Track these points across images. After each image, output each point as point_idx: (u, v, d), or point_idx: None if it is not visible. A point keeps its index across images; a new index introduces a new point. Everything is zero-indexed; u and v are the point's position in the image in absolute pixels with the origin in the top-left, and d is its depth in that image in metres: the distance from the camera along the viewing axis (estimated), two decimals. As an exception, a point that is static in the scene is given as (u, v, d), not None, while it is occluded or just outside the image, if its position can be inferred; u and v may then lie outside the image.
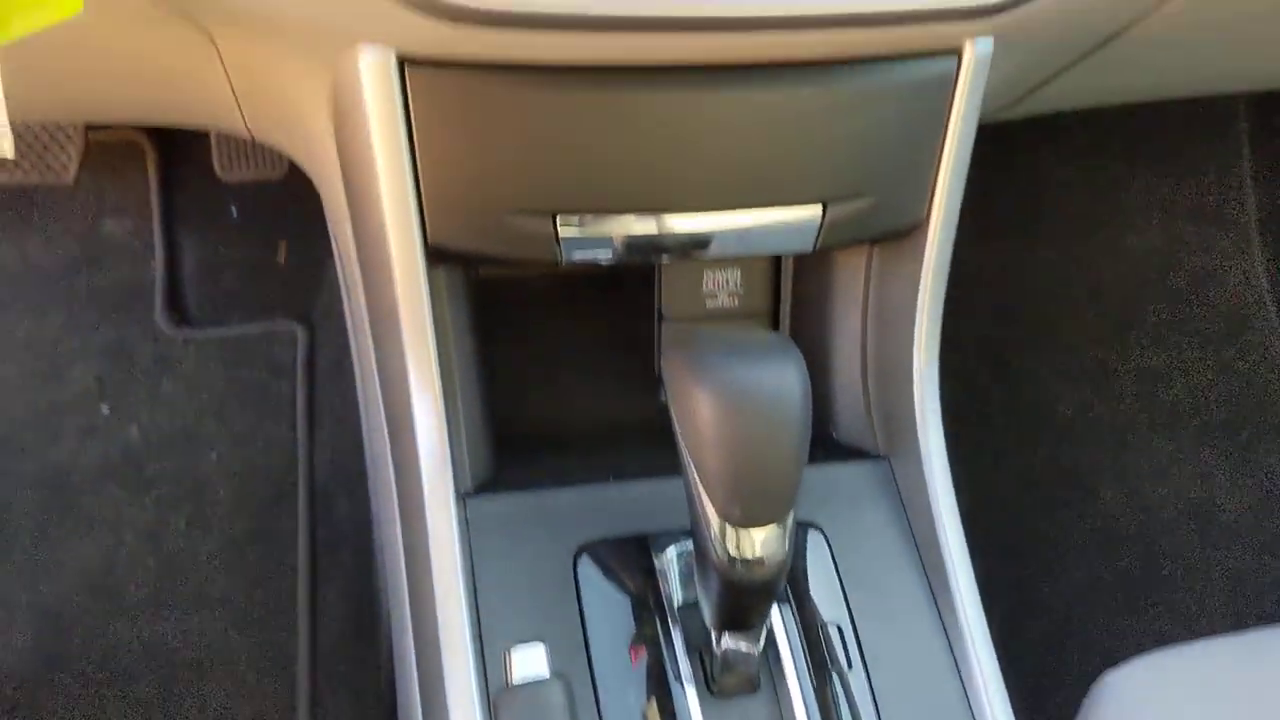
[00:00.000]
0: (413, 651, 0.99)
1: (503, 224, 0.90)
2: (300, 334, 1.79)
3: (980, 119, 0.97)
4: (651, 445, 0.99)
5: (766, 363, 0.77)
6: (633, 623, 0.96)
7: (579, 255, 0.93)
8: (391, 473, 1.05)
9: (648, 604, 0.97)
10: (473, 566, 0.94)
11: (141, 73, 1.02)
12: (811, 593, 1.00)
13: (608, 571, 0.98)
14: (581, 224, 0.91)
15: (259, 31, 0.86)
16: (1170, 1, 1.01)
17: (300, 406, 1.73)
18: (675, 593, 0.97)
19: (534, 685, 0.89)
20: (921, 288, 1.02)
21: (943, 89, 0.93)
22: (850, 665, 0.96)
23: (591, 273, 1.31)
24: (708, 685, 0.93)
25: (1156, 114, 1.91)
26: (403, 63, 0.83)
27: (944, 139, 0.96)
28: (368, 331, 1.05)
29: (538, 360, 1.29)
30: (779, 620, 0.97)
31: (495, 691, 0.89)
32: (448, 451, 0.95)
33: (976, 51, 0.92)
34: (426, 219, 0.89)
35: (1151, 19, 1.04)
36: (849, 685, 0.95)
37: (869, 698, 0.95)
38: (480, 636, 0.91)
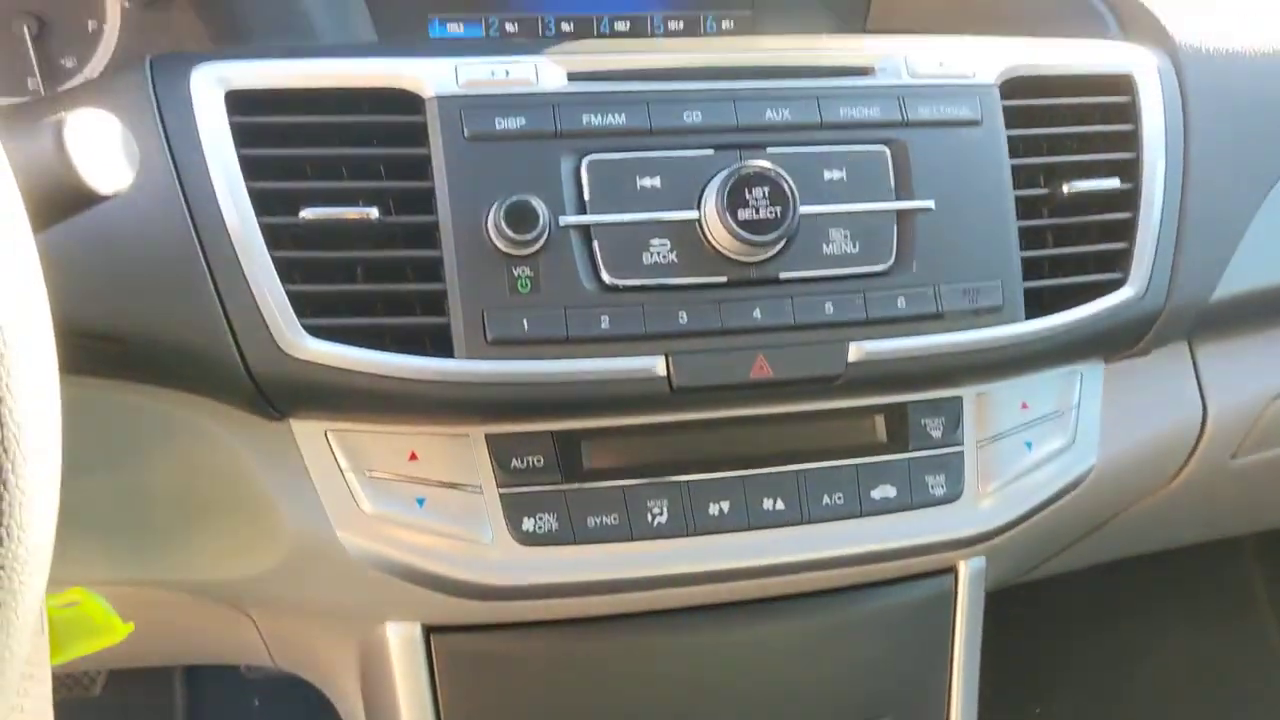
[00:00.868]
0: None
1: None
2: None
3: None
4: None
5: None
6: None
7: None
8: None
9: None
10: None
11: (173, 634, 1.07)
12: None
13: None
14: None
15: (293, 615, 0.92)
16: (1170, 484, 1.07)
17: None
18: None
19: None
20: None
21: (942, 604, 0.97)
22: None
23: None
24: None
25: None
26: (427, 630, 0.88)
27: (952, 650, 0.99)
28: None
29: None
30: None
31: None
32: None
33: (970, 568, 0.97)
34: None
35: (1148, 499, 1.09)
36: None
37: None
38: None
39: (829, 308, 0.82)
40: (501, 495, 0.83)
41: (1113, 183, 0.88)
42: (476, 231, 0.77)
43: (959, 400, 0.90)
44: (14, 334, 0.45)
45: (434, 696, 0.89)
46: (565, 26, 1.06)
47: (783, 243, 0.80)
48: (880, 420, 0.89)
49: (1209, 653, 1.93)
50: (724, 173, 0.79)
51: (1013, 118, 0.87)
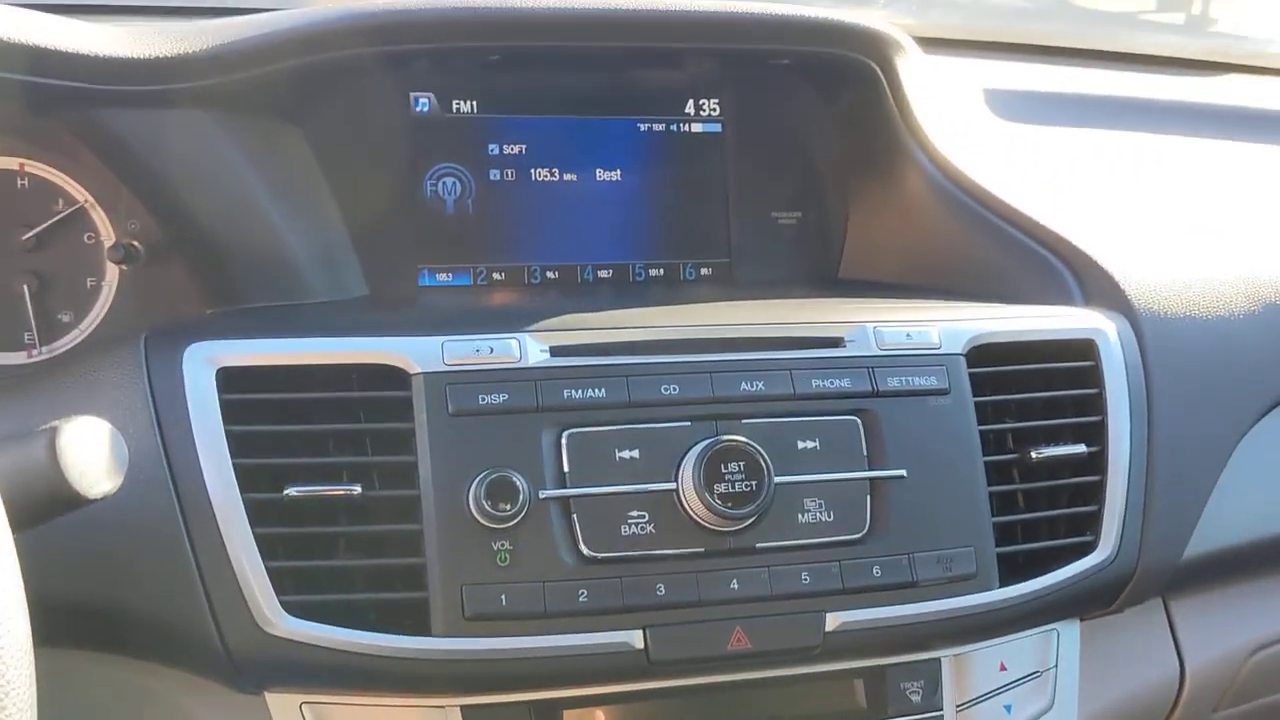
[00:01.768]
0: None
1: None
2: None
3: None
4: None
5: None
6: None
7: None
8: None
9: None
10: None
11: None
12: None
13: None
14: None
15: None
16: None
17: None
18: None
19: None
20: None
21: None
22: None
23: None
24: None
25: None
26: None
27: None
28: None
29: None
30: None
31: None
32: None
33: None
34: None
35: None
36: None
37: None
38: None
39: (805, 578, 0.83)
40: None
41: (1079, 448, 0.91)
42: (457, 505, 0.79)
43: (937, 663, 0.90)
44: None
45: None
46: (550, 275, 1.09)
47: (758, 514, 0.81)
48: (860, 685, 0.89)
49: None
50: (700, 446, 0.81)
51: (980, 385, 0.90)
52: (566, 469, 0.81)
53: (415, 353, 0.82)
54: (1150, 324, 0.96)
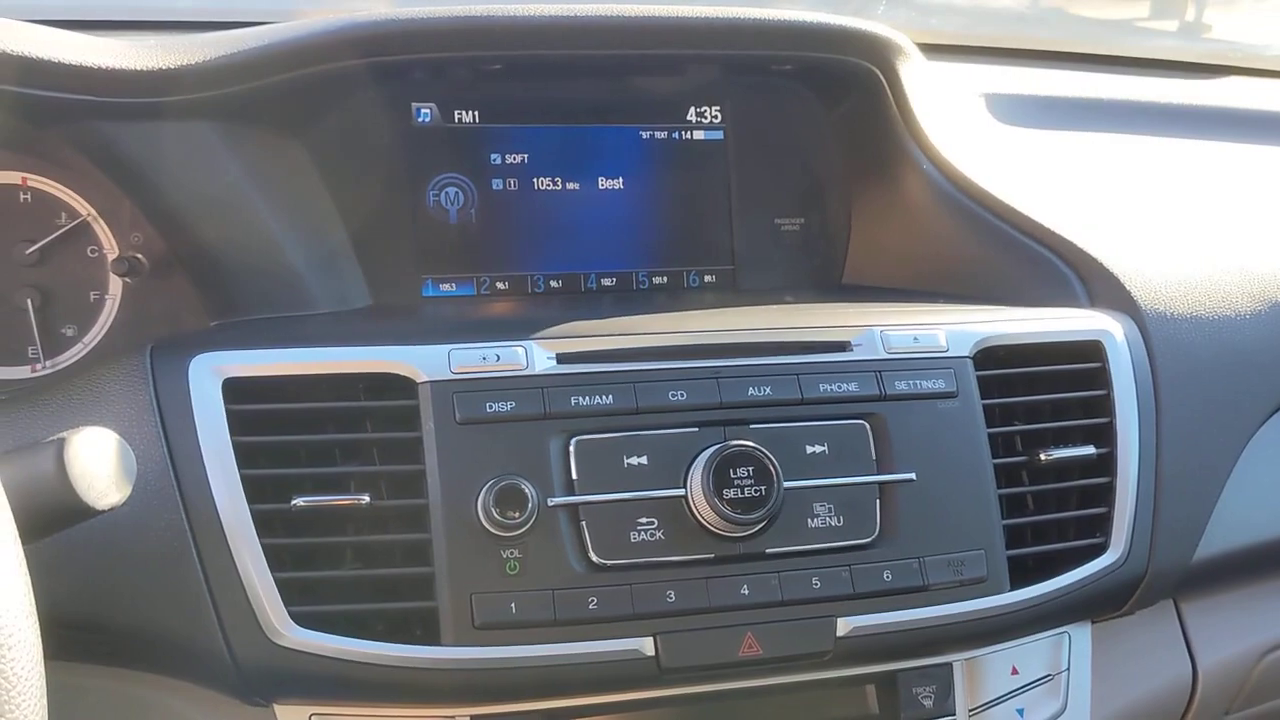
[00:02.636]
0: None
1: None
2: None
3: None
4: None
5: None
6: None
7: None
8: None
9: None
10: None
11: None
12: None
13: None
14: None
15: None
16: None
17: None
18: None
19: None
20: None
21: None
22: None
23: None
24: None
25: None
26: None
27: None
28: None
29: None
30: None
31: None
32: None
33: None
34: None
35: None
36: None
37: None
38: None
39: (816, 583, 0.82)
40: None
41: (1088, 450, 0.90)
42: (466, 513, 0.79)
43: (949, 667, 0.90)
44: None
45: None
46: (554, 284, 1.09)
47: (768, 519, 0.81)
48: (871, 690, 0.88)
49: None
50: (709, 451, 0.81)
51: (988, 388, 0.90)
52: (575, 476, 0.81)
53: (422, 361, 0.81)
54: (1156, 324, 0.96)
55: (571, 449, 0.81)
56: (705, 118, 1.13)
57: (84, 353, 0.98)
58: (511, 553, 0.79)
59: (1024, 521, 0.89)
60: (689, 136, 1.13)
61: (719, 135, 1.13)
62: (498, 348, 0.83)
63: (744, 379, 0.85)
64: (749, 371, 0.85)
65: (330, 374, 0.81)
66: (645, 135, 1.12)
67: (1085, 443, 0.91)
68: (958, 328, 0.91)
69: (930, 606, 0.84)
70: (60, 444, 0.61)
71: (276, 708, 0.81)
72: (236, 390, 0.79)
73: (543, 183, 1.10)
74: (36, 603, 0.54)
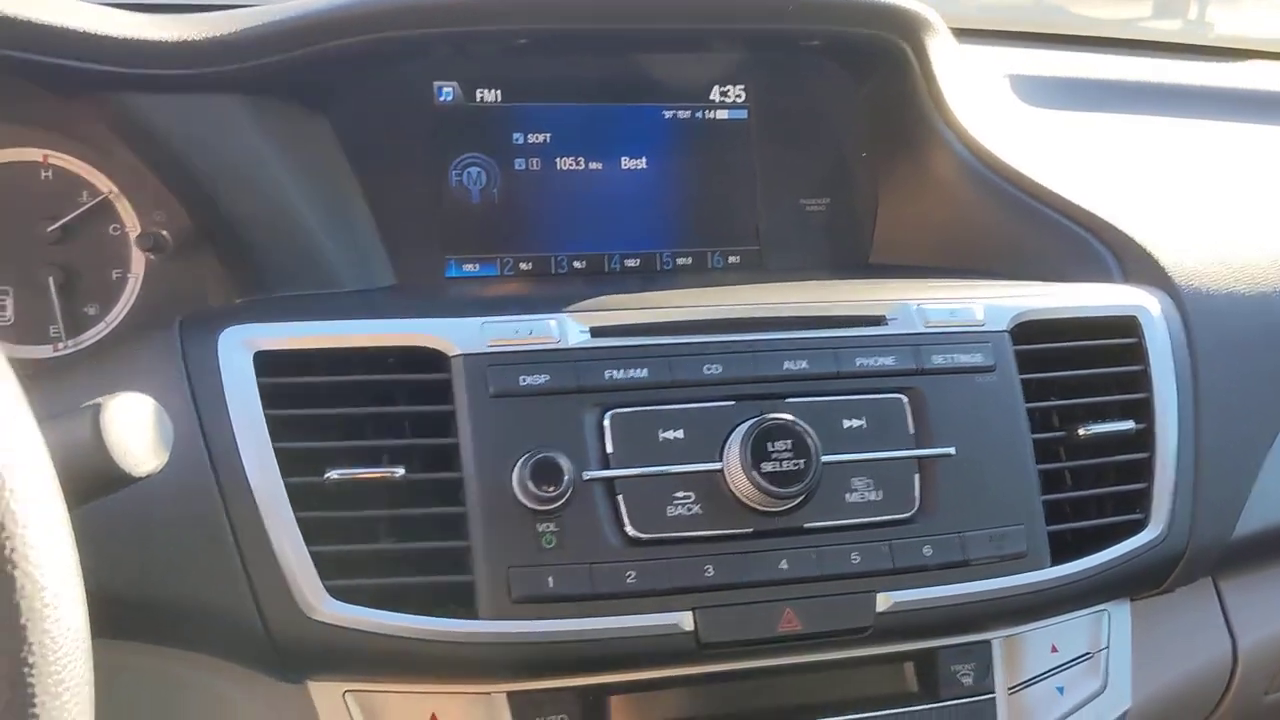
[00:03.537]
0: None
1: None
2: None
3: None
4: None
5: None
6: None
7: None
8: None
9: None
10: None
11: None
12: None
13: None
14: None
15: None
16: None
17: None
18: None
19: None
20: None
21: None
22: None
23: None
24: None
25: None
26: None
27: None
28: None
29: None
30: None
31: None
32: None
33: None
34: None
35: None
36: None
37: None
38: None
39: (855, 558, 0.81)
40: None
41: (1127, 425, 0.89)
42: (501, 487, 0.77)
43: (988, 645, 0.88)
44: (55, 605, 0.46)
45: None
46: (577, 265, 1.08)
47: (806, 493, 0.80)
48: (910, 668, 0.87)
49: None
50: (746, 425, 0.80)
51: (1025, 362, 0.88)
52: (610, 450, 0.80)
53: (455, 334, 0.80)
54: (1192, 299, 0.95)
55: (606, 422, 0.80)
56: (729, 97, 1.12)
57: (107, 331, 0.97)
58: (548, 526, 0.77)
59: (1063, 497, 0.88)
60: (712, 116, 1.12)
61: (743, 115, 1.12)
62: (530, 321, 0.82)
63: (780, 353, 0.84)
64: (785, 345, 0.84)
65: (362, 347, 0.80)
66: (668, 115, 1.11)
67: (1123, 418, 0.90)
68: (994, 302, 0.89)
69: (971, 582, 0.83)
70: (96, 409, 0.60)
71: (310, 685, 0.80)
72: (267, 363, 0.78)
73: (565, 162, 1.09)
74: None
